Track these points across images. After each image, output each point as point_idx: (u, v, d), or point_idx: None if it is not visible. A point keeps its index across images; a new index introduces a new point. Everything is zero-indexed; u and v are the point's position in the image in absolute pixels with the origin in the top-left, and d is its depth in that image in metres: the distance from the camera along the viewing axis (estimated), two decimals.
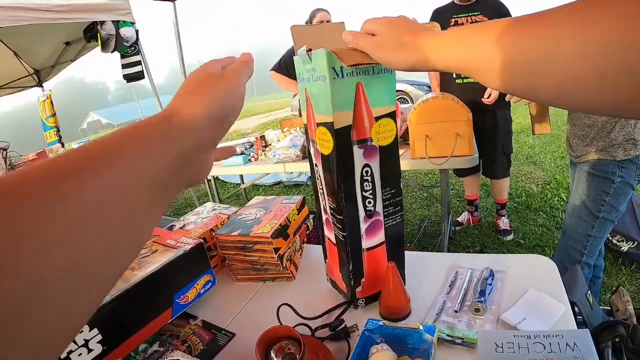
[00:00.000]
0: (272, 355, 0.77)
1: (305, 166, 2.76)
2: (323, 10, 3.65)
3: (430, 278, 1.08)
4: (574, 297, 0.99)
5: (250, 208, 1.33)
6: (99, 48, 4.65)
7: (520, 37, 0.45)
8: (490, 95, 2.91)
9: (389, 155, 0.89)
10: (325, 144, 0.85)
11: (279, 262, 1.14)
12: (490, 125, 3.22)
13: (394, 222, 0.96)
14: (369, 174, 0.88)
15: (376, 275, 0.97)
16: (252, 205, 1.36)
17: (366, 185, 0.89)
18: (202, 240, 1.07)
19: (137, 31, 4.73)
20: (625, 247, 2.71)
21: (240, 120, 19.10)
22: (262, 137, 3.24)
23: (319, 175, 0.94)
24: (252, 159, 3.13)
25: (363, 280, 0.97)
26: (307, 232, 1.35)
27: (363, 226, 0.91)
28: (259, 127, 14.55)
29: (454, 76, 3.17)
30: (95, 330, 0.81)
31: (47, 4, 3.70)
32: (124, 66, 4.90)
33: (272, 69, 3.86)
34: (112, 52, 4.68)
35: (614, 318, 1.40)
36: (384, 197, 0.92)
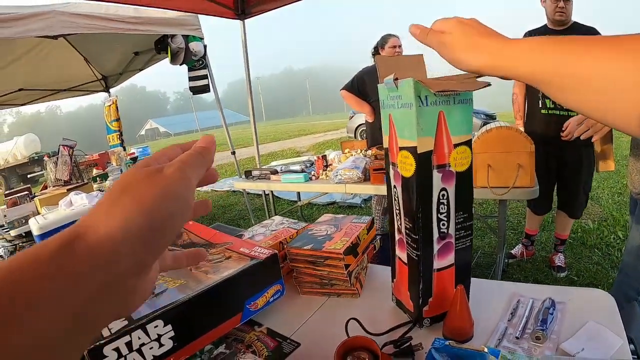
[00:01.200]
0: None
1: (366, 188, 2.81)
2: (394, 36, 3.71)
3: (492, 304, 1.10)
4: (630, 333, 0.99)
5: (320, 225, 1.38)
6: (167, 60, 4.88)
7: (598, 55, 0.45)
8: (566, 129, 2.87)
9: (463, 181, 0.93)
10: (406, 167, 0.89)
11: (348, 279, 1.19)
12: (574, 162, 3.13)
13: (463, 246, 0.99)
14: (445, 197, 0.92)
15: (443, 296, 1.00)
16: (323, 222, 1.41)
17: (442, 208, 0.92)
18: (276, 252, 1.12)
19: (205, 46, 4.94)
20: None
21: (295, 138, 19.39)
22: (324, 157, 3.32)
23: (397, 197, 0.98)
24: (313, 177, 3.21)
25: (431, 300, 1.00)
26: (374, 252, 1.39)
27: (436, 247, 0.95)
28: (314, 146, 14.71)
29: (540, 106, 3.12)
30: (169, 327, 0.86)
31: (122, 15, 3.96)
32: (191, 79, 5.12)
33: (344, 88, 3.90)
34: (180, 64, 4.90)
35: None
36: (456, 221, 0.95)
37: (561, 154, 2.96)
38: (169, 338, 0.86)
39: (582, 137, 1.88)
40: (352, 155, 3.25)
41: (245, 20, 4.66)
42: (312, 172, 3.27)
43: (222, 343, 1.03)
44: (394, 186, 0.99)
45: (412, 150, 0.86)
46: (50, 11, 3.48)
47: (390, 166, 0.99)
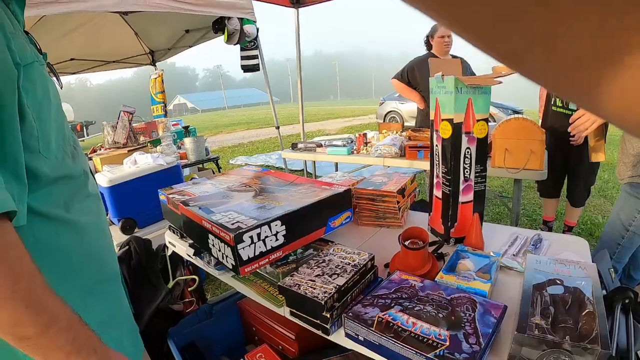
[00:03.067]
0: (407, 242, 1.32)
1: (402, 162, 3.31)
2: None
3: (499, 237, 1.59)
4: (599, 267, 1.35)
5: (377, 176, 1.89)
6: (221, 38, 5.35)
7: None
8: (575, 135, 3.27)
9: (481, 144, 1.44)
10: (446, 131, 1.40)
11: (398, 212, 1.69)
12: (577, 158, 3.53)
13: (480, 189, 1.49)
14: (469, 153, 1.42)
15: (465, 223, 1.50)
16: (378, 174, 1.92)
17: (466, 160, 1.43)
18: (350, 187, 1.62)
19: (257, 29, 5.43)
20: None
21: (324, 121, 19.74)
22: (364, 135, 3.81)
23: (437, 152, 1.49)
24: (354, 151, 3.72)
25: (456, 224, 1.51)
26: (414, 199, 1.89)
27: (461, 186, 1.45)
28: (343, 129, 15.10)
29: (552, 103, 3.56)
30: (284, 227, 1.33)
31: None
32: (243, 58, 5.61)
33: (395, 77, 4.35)
34: (235, 44, 5.39)
35: None
36: (475, 170, 1.46)
37: (567, 148, 3.39)
38: (282, 235, 1.33)
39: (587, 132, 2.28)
40: (389, 135, 3.74)
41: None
42: (354, 147, 3.77)
43: (309, 248, 1.52)
44: (436, 145, 1.49)
45: (450, 120, 1.38)
46: None
47: (434, 132, 1.49)
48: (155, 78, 7.12)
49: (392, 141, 3.43)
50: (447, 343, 0.90)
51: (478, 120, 1.40)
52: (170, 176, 3.63)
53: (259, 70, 5.66)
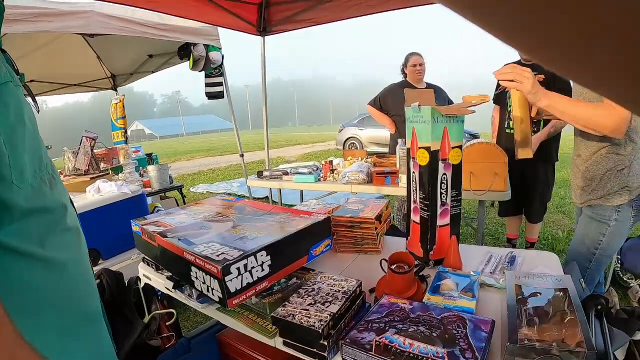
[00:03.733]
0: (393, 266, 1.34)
1: (369, 188, 3.37)
2: (415, 55, 4.22)
3: (474, 258, 1.63)
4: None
5: (352, 203, 1.91)
6: (182, 64, 5.35)
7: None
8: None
9: (457, 171, 1.51)
10: (423, 159, 1.45)
11: (376, 237, 1.71)
12: (531, 176, 3.71)
13: (456, 212, 1.55)
14: (445, 179, 1.49)
15: (442, 245, 1.55)
16: (353, 202, 1.94)
17: (443, 186, 1.49)
18: (329, 215, 1.64)
19: (222, 56, 5.45)
20: (634, 284, 3.19)
21: (283, 148, 19.79)
22: (330, 162, 3.84)
23: (415, 178, 1.54)
24: (321, 179, 3.75)
25: (435, 246, 1.55)
26: (388, 225, 1.92)
27: (438, 210, 1.51)
28: (303, 156, 15.19)
29: (505, 126, 3.74)
30: (269, 257, 1.33)
31: (151, 20, 4.32)
32: (208, 85, 5.63)
33: (369, 103, 4.47)
34: (200, 71, 5.40)
35: None
36: (451, 194, 1.52)
37: (521, 168, 3.53)
38: (267, 265, 1.33)
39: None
40: (355, 161, 3.80)
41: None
42: (320, 175, 3.80)
43: (292, 277, 1.51)
44: (413, 172, 1.54)
45: (427, 148, 1.44)
46: (88, 10, 3.83)
47: (411, 159, 1.54)
48: (117, 103, 7.01)
49: (358, 167, 3.47)
50: (446, 359, 0.94)
51: (453, 147, 1.47)
52: (134, 205, 3.58)
53: (223, 97, 5.67)
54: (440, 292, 1.29)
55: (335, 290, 1.27)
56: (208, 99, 5.69)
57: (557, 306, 1.07)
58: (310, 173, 3.81)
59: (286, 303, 1.22)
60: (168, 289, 1.63)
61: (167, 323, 2.02)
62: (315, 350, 1.11)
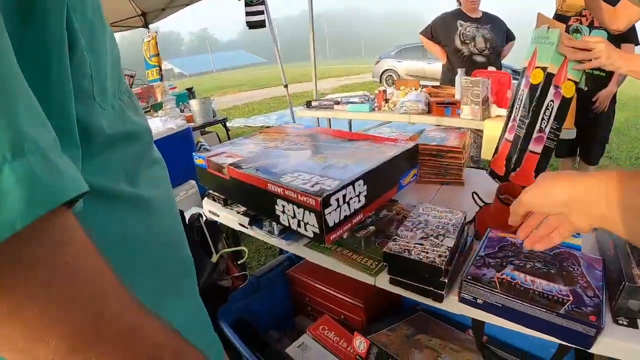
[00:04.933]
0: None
1: (428, 119, 3.17)
2: None
3: None
4: None
5: (432, 132, 1.74)
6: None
7: None
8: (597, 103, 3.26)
9: (564, 105, 1.33)
10: (537, 78, 1.29)
11: (462, 168, 1.55)
12: (594, 117, 3.44)
13: (550, 146, 1.38)
14: (551, 106, 1.32)
15: (526, 172, 1.40)
16: (432, 130, 1.77)
17: (547, 112, 1.33)
18: (417, 143, 1.48)
19: None
20: None
21: (318, 80, 19.39)
22: (384, 91, 3.64)
23: (522, 96, 1.39)
24: (376, 108, 3.56)
25: (518, 170, 1.41)
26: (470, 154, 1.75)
27: (535, 134, 1.36)
28: (338, 89, 14.82)
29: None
30: (365, 186, 1.19)
31: None
32: (248, 14, 5.37)
33: (421, 33, 4.21)
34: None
35: None
36: (551, 126, 1.35)
37: (583, 107, 3.27)
38: (364, 196, 1.19)
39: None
40: (410, 91, 3.58)
41: None
42: (374, 104, 3.61)
43: (382, 209, 1.40)
44: (522, 89, 1.39)
45: (544, 69, 1.28)
46: None
47: (524, 77, 1.38)
48: (149, 40, 6.88)
49: (416, 97, 3.28)
50: (571, 298, 0.87)
51: (568, 80, 1.31)
52: (181, 140, 3.48)
53: (264, 26, 5.42)
54: None
55: (444, 223, 1.13)
56: (249, 28, 5.46)
57: None
58: (362, 102, 3.63)
59: (396, 237, 1.08)
60: (243, 225, 1.51)
61: (239, 262, 1.92)
62: (431, 289, 1.00)
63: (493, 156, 1.56)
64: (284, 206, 1.17)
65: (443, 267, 0.94)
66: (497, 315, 0.94)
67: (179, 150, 3.48)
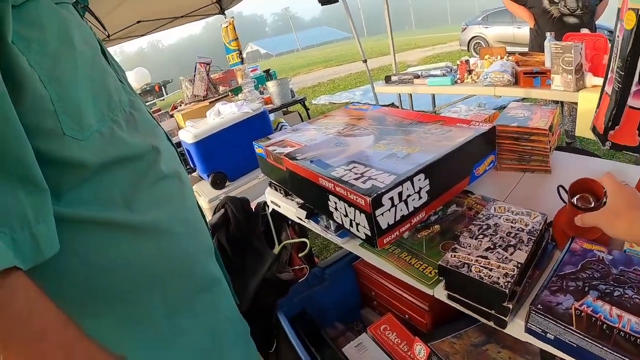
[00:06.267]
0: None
1: (516, 91, 2.89)
2: None
3: None
4: None
5: (514, 109, 1.53)
6: None
7: None
8: None
9: None
10: (630, 22, 1.07)
11: (548, 153, 1.34)
12: None
13: None
14: None
15: (627, 130, 1.19)
16: (515, 107, 1.55)
17: None
18: (494, 125, 1.29)
19: None
20: None
21: (404, 52, 18.84)
22: (467, 62, 3.37)
23: (617, 44, 1.17)
24: (458, 81, 3.31)
25: (617, 128, 1.20)
26: (559, 136, 1.53)
27: (633, 88, 1.12)
28: (425, 59, 14.28)
29: None
30: (427, 181, 1.04)
31: None
32: None
33: None
34: None
35: None
36: None
37: None
38: (425, 191, 1.05)
39: None
40: (495, 60, 3.28)
41: None
42: (457, 76, 3.36)
43: (451, 204, 1.22)
44: (617, 36, 1.17)
45: (637, 11, 1.04)
46: None
47: (619, 22, 1.16)
48: (226, 26, 7.00)
49: (502, 67, 2.98)
50: None
51: None
52: (257, 123, 3.43)
53: (337, 1, 5.24)
54: None
55: (517, 229, 0.94)
56: (322, 4, 5.29)
57: None
58: (444, 75, 3.40)
59: (456, 246, 0.92)
60: (300, 219, 1.41)
61: (300, 255, 1.83)
62: (493, 312, 0.83)
63: (595, 111, 1.36)
64: (336, 203, 1.06)
65: (508, 290, 0.77)
66: (570, 356, 0.74)
67: (255, 134, 3.46)
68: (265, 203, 1.87)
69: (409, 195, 1.00)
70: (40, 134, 0.52)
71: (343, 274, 1.75)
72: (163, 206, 0.70)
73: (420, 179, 1.02)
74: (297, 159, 1.24)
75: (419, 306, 1.44)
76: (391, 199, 0.95)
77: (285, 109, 5.08)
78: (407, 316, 1.52)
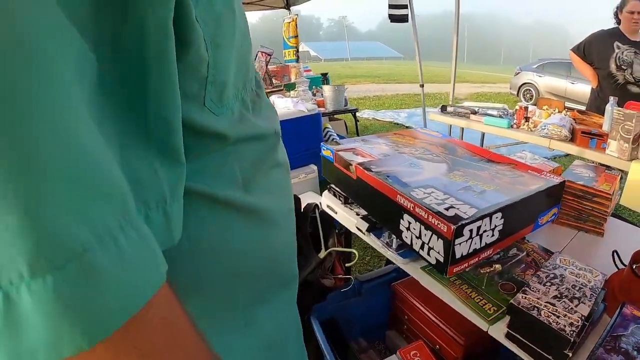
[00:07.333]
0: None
1: (570, 148, 2.90)
2: (635, 0, 3.52)
3: None
4: None
5: (579, 167, 1.57)
6: None
7: None
8: None
9: None
10: None
11: (606, 217, 1.39)
12: None
13: None
14: None
15: None
16: (579, 165, 1.60)
17: None
18: (565, 179, 1.33)
19: None
20: None
21: (450, 84, 18.85)
22: (525, 108, 3.40)
23: None
24: (514, 125, 3.34)
25: None
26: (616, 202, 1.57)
27: None
28: (472, 95, 14.27)
29: None
30: (502, 220, 1.08)
31: None
32: (392, 7, 5.29)
33: (572, 49, 3.89)
34: None
35: None
36: None
37: None
38: (498, 230, 1.09)
39: None
40: (553, 113, 3.30)
41: None
42: (513, 121, 3.39)
43: (512, 247, 1.26)
44: None
45: None
46: None
47: None
48: (289, 22, 7.11)
49: (560, 121, 3.00)
50: None
51: None
52: (309, 124, 3.49)
53: (407, 21, 5.32)
54: None
55: (581, 284, 0.99)
56: (391, 22, 5.37)
57: None
58: (500, 117, 3.44)
59: (526, 289, 0.97)
60: (360, 230, 1.46)
61: (347, 265, 1.88)
62: (551, 357, 0.87)
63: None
64: (410, 223, 1.11)
65: (573, 338, 0.82)
66: None
67: (306, 134, 3.52)
68: (315, 205, 1.92)
69: (484, 231, 1.04)
70: (184, 99, 0.43)
71: (379, 292, 1.79)
72: (274, 195, 0.66)
73: (497, 217, 1.06)
74: (372, 171, 1.29)
75: (455, 339, 1.47)
76: (471, 230, 1.00)
77: (332, 116, 5.14)
78: (437, 347, 1.55)
